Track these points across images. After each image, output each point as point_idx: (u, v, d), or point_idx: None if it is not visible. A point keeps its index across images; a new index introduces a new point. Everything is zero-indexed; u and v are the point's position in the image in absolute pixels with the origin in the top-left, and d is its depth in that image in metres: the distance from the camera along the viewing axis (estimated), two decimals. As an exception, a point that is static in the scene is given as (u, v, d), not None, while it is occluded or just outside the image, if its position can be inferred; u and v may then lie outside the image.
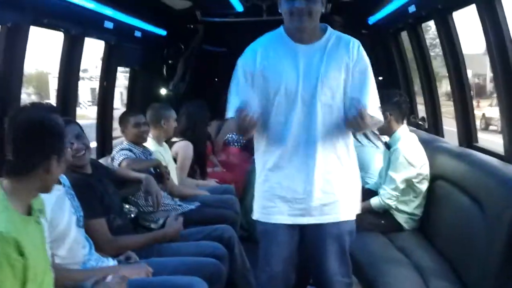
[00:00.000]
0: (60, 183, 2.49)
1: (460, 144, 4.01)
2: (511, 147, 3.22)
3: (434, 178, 3.63)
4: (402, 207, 3.68)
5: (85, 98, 28.64)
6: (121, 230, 3.01)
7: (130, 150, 3.90)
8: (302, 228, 2.67)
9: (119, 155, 3.84)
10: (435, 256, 3.29)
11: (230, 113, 2.63)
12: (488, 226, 2.72)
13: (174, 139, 4.80)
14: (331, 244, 2.65)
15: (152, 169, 3.80)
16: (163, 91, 6.36)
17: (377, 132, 4.22)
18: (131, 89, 5.79)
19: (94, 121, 4.88)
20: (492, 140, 4.06)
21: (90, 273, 2.39)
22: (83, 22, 3.86)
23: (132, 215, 3.56)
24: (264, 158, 2.68)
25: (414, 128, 4.86)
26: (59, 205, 2.45)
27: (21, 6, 3.00)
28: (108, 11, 4.16)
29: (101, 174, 3.13)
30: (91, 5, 3.83)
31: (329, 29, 2.64)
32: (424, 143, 3.87)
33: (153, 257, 2.98)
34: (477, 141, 3.95)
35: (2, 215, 1.80)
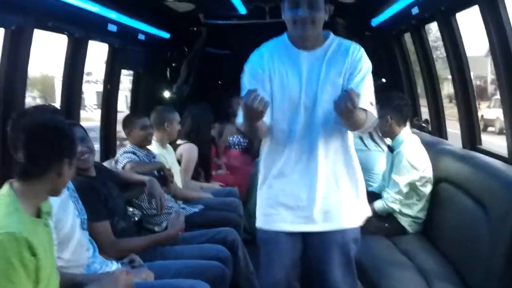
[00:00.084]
0: (64, 186, 2.50)
1: (464, 147, 4.00)
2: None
3: (437, 181, 3.63)
4: (405, 210, 3.68)
5: (91, 101, 28.72)
6: (125, 233, 3.01)
7: (134, 153, 3.91)
8: (305, 236, 2.63)
9: (123, 158, 3.85)
10: (438, 259, 3.28)
11: (239, 118, 2.58)
12: (492, 229, 2.72)
13: (178, 142, 4.81)
14: (335, 252, 2.60)
15: (155, 172, 3.80)
16: (166, 94, 6.37)
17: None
18: (134, 92, 5.81)
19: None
20: (491, 141, 4.05)
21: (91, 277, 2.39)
22: (87, 25, 3.87)
23: (136, 218, 3.56)
24: (267, 165, 2.66)
25: (418, 131, 4.85)
26: (63, 208, 2.46)
27: (25, 9, 3.01)
28: (112, 14, 4.17)
29: (105, 177, 3.13)
30: (95, 8, 3.84)
31: (332, 35, 2.63)
32: (428, 145, 3.86)
33: (156, 260, 2.99)
34: (480, 144, 3.94)
35: (13, 216, 1.82)
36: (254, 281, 3.52)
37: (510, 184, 2.79)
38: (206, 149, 5.08)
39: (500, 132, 15.50)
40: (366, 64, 2.59)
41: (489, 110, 18.50)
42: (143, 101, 5.72)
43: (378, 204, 3.65)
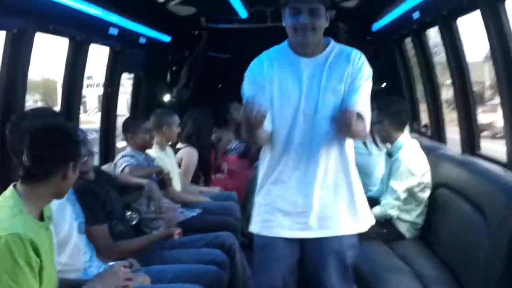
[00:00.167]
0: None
1: (463, 152, 3.99)
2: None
3: (436, 186, 3.62)
4: (403, 215, 3.67)
5: (93, 104, 28.80)
6: (122, 237, 3.02)
7: (133, 157, 3.91)
8: (302, 241, 2.63)
9: (122, 162, 3.85)
10: (436, 264, 3.28)
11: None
12: (491, 234, 2.71)
13: (179, 145, 4.82)
14: (332, 259, 2.60)
15: (154, 176, 3.80)
16: (167, 97, 6.37)
17: None
18: (135, 95, 5.81)
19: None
20: (485, 146, 4.05)
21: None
22: (88, 29, 3.88)
23: (134, 222, 3.56)
24: (266, 171, 2.65)
25: (417, 135, 4.85)
26: (60, 211, 2.46)
27: (27, 12, 3.01)
28: (113, 17, 4.18)
29: (103, 180, 3.14)
30: (97, 12, 3.85)
31: (332, 42, 2.63)
32: (427, 150, 3.86)
33: (154, 264, 2.98)
34: (480, 149, 3.93)
35: (18, 218, 1.83)
36: (251, 285, 3.51)
37: (509, 189, 2.79)
38: (206, 153, 5.09)
39: (493, 137, 15.81)
40: (366, 72, 2.59)
41: (484, 115, 18.55)
42: (143, 105, 5.73)
43: (377, 210, 3.64)
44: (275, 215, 2.61)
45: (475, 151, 3.90)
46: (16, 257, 1.74)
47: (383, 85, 5.59)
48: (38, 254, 1.80)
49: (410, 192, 3.63)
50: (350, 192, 2.64)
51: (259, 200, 2.68)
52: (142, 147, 4.02)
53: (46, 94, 37.12)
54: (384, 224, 3.68)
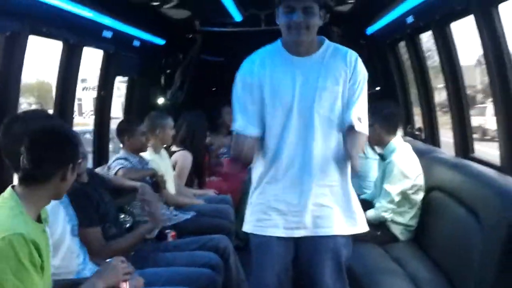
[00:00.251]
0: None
1: (457, 155, 4.01)
2: (507, 158, 3.22)
3: (430, 189, 3.63)
4: (397, 218, 3.68)
5: (88, 107, 28.80)
6: (116, 239, 3.00)
7: (127, 159, 3.90)
8: (297, 241, 2.63)
9: (115, 164, 3.84)
10: (430, 267, 3.28)
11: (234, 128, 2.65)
12: (484, 237, 2.72)
13: (173, 148, 4.82)
14: (327, 259, 2.60)
15: (148, 178, 3.80)
16: (160, 100, 6.37)
17: None
18: (129, 98, 5.80)
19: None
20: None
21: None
22: (82, 31, 3.87)
23: (128, 225, 3.55)
24: (260, 170, 2.65)
25: (411, 138, 4.86)
26: (53, 214, 2.44)
27: (20, 15, 3.01)
28: (106, 20, 4.17)
29: (96, 183, 3.13)
30: (90, 14, 3.84)
31: (326, 41, 2.63)
32: (421, 153, 3.87)
33: (148, 267, 2.98)
34: (473, 152, 3.95)
35: (19, 219, 1.85)
36: (245, 288, 3.51)
37: (502, 192, 2.79)
38: (201, 156, 5.08)
39: (481, 139, 16.12)
40: (362, 74, 2.61)
41: (473, 118, 18.64)
42: (137, 108, 5.72)
43: (370, 213, 3.65)
44: (270, 214, 2.60)
45: (469, 154, 3.92)
46: (20, 256, 1.76)
47: (377, 88, 5.60)
48: (40, 254, 1.82)
49: (404, 195, 3.64)
50: (346, 192, 2.64)
51: (254, 199, 2.68)
52: (137, 149, 4.01)
53: (40, 97, 37.16)
54: (378, 227, 3.69)
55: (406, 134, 5.28)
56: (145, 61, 5.73)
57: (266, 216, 2.61)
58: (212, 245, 3.48)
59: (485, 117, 20.14)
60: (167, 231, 3.63)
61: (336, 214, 2.61)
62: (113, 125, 4.20)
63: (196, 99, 6.52)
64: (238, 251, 3.71)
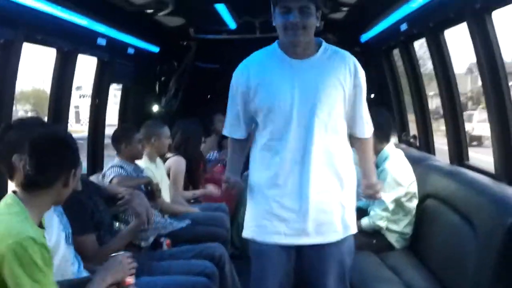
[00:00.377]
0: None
1: (451, 162, 4.01)
2: (501, 165, 3.22)
3: (425, 196, 3.63)
4: (392, 226, 3.68)
5: (86, 115, 28.85)
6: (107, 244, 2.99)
7: (122, 167, 3.89)
8: (299, 249, 2.60)
9: (110, 172, 3.83)
10: (426, 275, 3.28)
11: (226, 131, 2.76)
12: (479, 245, 2.72)
13: (168, 155, 4.81)
14: (330, 267, 2.59)
15: (143, 187, 3.79)
16: (155, 108, 6.36)
17: None
18: (123, 106, 5.79)
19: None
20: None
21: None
22: (76, 39, 3.87)
23: (122, 233, 3.53)
24: (259, 176, 2.62)
25: (405, 146, 4.87)
26: (47, 222, 2.42)
27: (14, 22, 3.00)
28: (101, 28, 4.18)
29: (91, 191, 3.11)
30: (84, 22, 3.84)
31: (324, 43, 2.60)
32: (415, 161, 3.87)
33: (143, 276, 2.96)
34: (468, 159, 3.95)
35: (26, 223, 1.90)
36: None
37: (497, 200, 2.80)
38: (195, 163, 5.07)
39: (468, 145, 16.21)
40: (362, 76, 2.61)
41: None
42: (132, 115, 5.71)
43: (365, 221, 3.65)
44: (271, 221, 2.57)
45: (463, 162, 3.92)
46: (34, 258, 1.82)
47: (372, 96, 5.61)
48: (50, 257, 1.89)
49: (398, 203, 3.64)
50: (346, 196, 2.62)
51: (254, 205, 2.65)
52: (133, 157, 4.00)
53: (36, 105, 37.19)
54: (374, 235, 3.69)
55: (400, 141, 5.29)
56: (139, 69, 5.72)
57: (267, 222, 2.58)
58: (208, 253, 3.46)
59: (472, 124, 20.34)
60: (162, 239, 3.62)
61: (338, 219, 2.59)
62: (111, 132, 4.19)
63: (190, 106, 6.51)
64: (234, 259, 3.70)
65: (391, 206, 3.62)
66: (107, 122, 5.08)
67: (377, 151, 3.78)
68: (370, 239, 3.66)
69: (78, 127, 23.72)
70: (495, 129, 3.23)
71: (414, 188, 3.68)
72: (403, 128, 5.43)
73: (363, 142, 2.76)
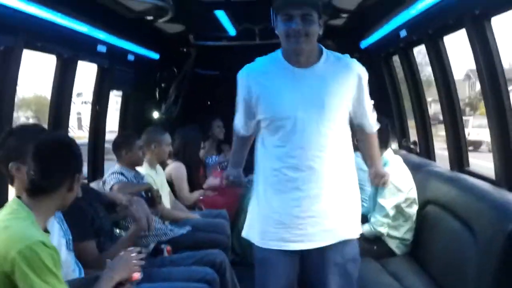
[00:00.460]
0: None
1: (451, 168, 4.01)
2: (502, 171, 3.22)
3: (425, 203, 3.63)
4: (392, 232, 3.68)
5: (88, 121, 28.88)
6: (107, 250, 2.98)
7: (122, 174, 3.89)
8: (303, 256, 2.60)
9: (111, 179, 3.83)
10: (427, 281, 3.27)
11: (234, 123, 2.83)
12: (480, 251, 2.72)
13: (167, 161, 4.81)
14: (334, 273, 2.58)
15: (143, 193, 3.78)
16: (155, 114, 6.36)
17: None
18: (123, 113, 5.79)
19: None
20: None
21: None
22: (76, 46, 3.88)
23: (123, 239, 3.53)
24: (264, 182, 2.62)
25: (406, 152, 4.87)
26: (49, 228, 2.44)
27: (14, 29, 3.01)
28: (101, 34, 4.18)
29: (91, 197, 3.11)
30: (84, 29, 3.85)
31: (324, 50, 2.59)
32: (416, 167, 3.87)
33: (143, 282, 2.95)
34: (468, 166, 3.95)
35: (34, 228, 1.94)
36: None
37: (497, 206, 2.80)
38: (194, 168, 5.08)
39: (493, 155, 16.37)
40: (365, 77, 2.63)
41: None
42: (132, 122, 5.71)
43: (366, 228, 3.65)
44: (275, 227, 2.57)
45: (464, 168, 3.92)
46: (45, 261, 1.86)
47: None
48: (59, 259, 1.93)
49: (398, 209, 3.64)
50: (350, 201, 2.63)
51: (258, 211, 2.65)
52: (134, 164, 4.00)
53: (38, 111, 37.29)
54: (374, 241, 3.69)
55: (401, 147, 5.29)
56: (139, 75, 5.72)
57: (271, 228, 2.58)
58: (208, 260, 3.46)
59: (467, 129, 20.45)
60: (162, 246, 3.61)
61: (342, 225, 2.59)
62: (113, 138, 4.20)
63: (190, 113, 6.51)
64: (234, 266, 3.69)
65: (391, 212, 3.62)
66: (109, 128, 5.09)
67: None
68: (371, 245, 3.66)
69: (80, 133, 23.77)
70: (495, 135, 3.23)
71: (413, 194, 3.68)
72: (403, 134, 5.42)
73: (369, 135, 2.84)
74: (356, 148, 2.79)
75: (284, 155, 2.54)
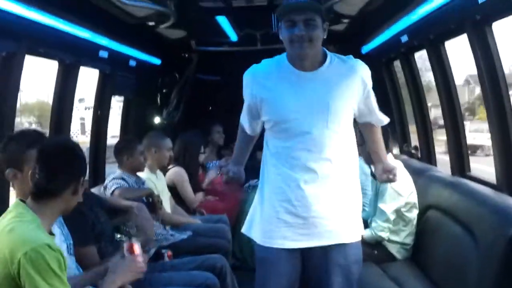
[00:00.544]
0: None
1: (453, 173, 4.01)
2: (503, 176, 3.22)
3: (427, 207, 3.63)
4: (393, 237, 3.68)
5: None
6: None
7: (123, 179, 3.89)
8: (305, 256, 2.61)
9: (112, 184, 3.83)
10: (428, 286, 3.27)
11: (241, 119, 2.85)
12: (481, 255, 2.72)
13: (168, 167, 4.81)
14: (337, 274, 2.58)
15: (144, 198, 3.78)
16: (157, 120, 6.37)
17: None
18: (125, 118, 5.80)
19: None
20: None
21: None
22: (78, 51, 3.89)
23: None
24: (268, 182, 2.63)
25: (407, 157, 4.87)
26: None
27: (16, 35, 3.02)
28: (103, 40, 4.19)
29: (92, 202, 3.12)
30: (86, 35, 3.86)
31: (329, 53, 2.60)
32: (417, 172, 3.87)
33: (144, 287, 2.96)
34: (469, 170, 3.95)
35: (39, 231, 1.96)
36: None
37: (498, 211, 2.80)
38: (194, 173, 5.08)
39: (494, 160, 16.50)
40: (369, 77, 2.64)
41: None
42: (133, 127, 5.72)
43: (367, 232, 3.64)
44: (278, 226, 2.58)
45: (465, 173, 3.92)
46: (51, 264, 1.88)
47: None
48: (64, 262, 1.95)
49: (398, 213, 3.64)
50: (352, 203, 2.64)
51: (261, 210, 2.66)
52: (136, 169, 4.00)
53: (40, 117, 37.37)
54: (375, 246, 3.68)
55: (402, 152, 5.29)
56: (141, 81, 5.73)
57: (274, 227, 2.58)
58: (209, 264, 3.46)
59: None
60: (163, 250, 3.61)
61: (345, 226, 2.60)
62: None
63: (192, 118, 6.52)
64: (235, 270, 3.69)
65: (392, 217, 3.62)
66: (112, 133, 5.10)
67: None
68: (371, 250, 3.65)
69: (83, 138, 23.80)
70: (496, 141, 3.24)
71: (413, 198, 3.68)
72: (404, 139, 5.43)
73: (374, 131, 2.84)
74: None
75: (288, 156, 2.55)
